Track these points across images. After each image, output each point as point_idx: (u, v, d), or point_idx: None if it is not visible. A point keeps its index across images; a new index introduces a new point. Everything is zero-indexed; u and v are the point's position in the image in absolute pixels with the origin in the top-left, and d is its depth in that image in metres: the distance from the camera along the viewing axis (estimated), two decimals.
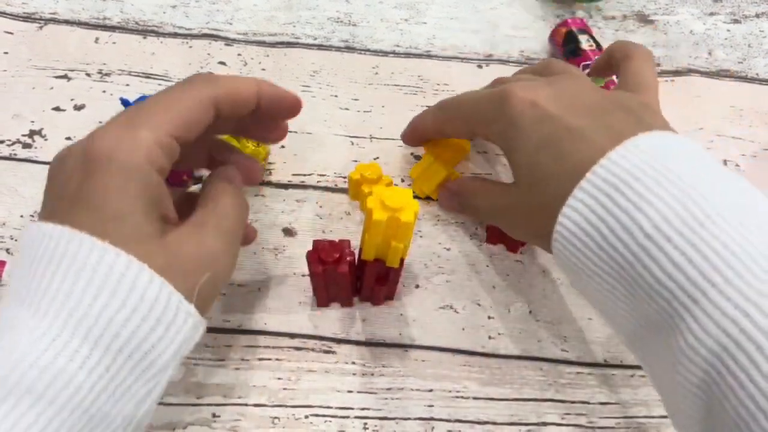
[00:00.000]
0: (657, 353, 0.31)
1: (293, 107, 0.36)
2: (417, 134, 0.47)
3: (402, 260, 0.39)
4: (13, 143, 0.51)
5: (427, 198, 0.50)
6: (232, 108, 0.31)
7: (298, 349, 0.43)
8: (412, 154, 0.52)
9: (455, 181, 0.46)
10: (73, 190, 0.27)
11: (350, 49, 0.59)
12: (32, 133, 0.51)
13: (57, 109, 0.53)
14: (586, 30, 0.57)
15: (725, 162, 0.54)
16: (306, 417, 0.41)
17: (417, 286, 0.46)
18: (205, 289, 0.29)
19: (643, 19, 0.63)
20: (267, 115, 0.35)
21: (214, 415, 0.40)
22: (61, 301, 0.26)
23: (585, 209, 0.31)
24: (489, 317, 0.45)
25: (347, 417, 0.41)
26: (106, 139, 0.27)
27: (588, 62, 0.55)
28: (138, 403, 0.28)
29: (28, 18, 0.58)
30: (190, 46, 0.57)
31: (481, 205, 0.42)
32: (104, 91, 0.54)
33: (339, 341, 0.43)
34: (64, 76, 0.55)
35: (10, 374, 0.25)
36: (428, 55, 0.59)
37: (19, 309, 0.26)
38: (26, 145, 0.51)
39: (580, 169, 0.32)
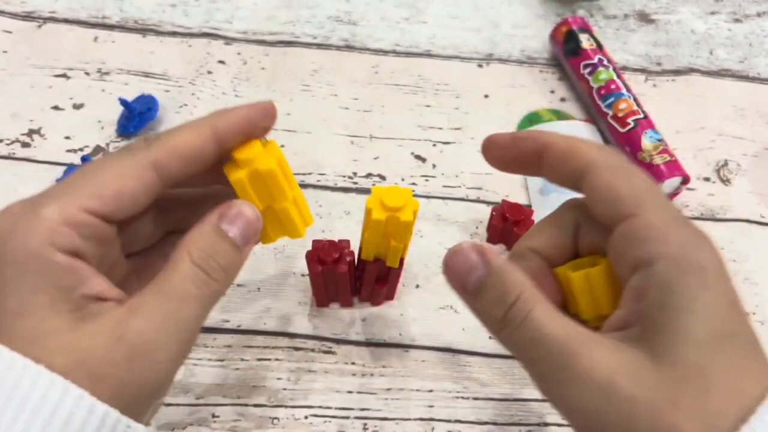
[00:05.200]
0: None
1: (266, 115, 0.28)
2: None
3: (402, 260, 0.39)
4: (12, 142, 0.50)
5: (427, 197, 0.49)
6: (183, 166, 0.26)
7: (297, 349, 0.43)
8: (412, 153, 0.52)
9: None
10: None
11: (350, 48, 0.58)
12: (31, 132, 0.51)
13: (56, 108, 0.53)
14: (586, 29, 0.57)
15: (726, 162, 0.54)
16: (305, 417, 0.40)
17: (417, 286, 0.46)
18: (129, 391, 0.23)
19: (644, 18, 0.63)
20: (244, 141, 0.28)
21: (213, 415, 0.40)
22: None
23: None
24: None
25: (347, 417, 0.41)
26: (1, 222, 0.23)
27: (589, 61, 0.54)
28: None
29: (27, 17, 0.58)
30: (190, 45, 0.57)
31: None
32: (103, 90, 0.54)
33: (338, 341, 0.43)
34: (63, 75, 0.54)
35: None
36: (428, 54, 0.59)
37: None
38: (25, 144, 0.50)
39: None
